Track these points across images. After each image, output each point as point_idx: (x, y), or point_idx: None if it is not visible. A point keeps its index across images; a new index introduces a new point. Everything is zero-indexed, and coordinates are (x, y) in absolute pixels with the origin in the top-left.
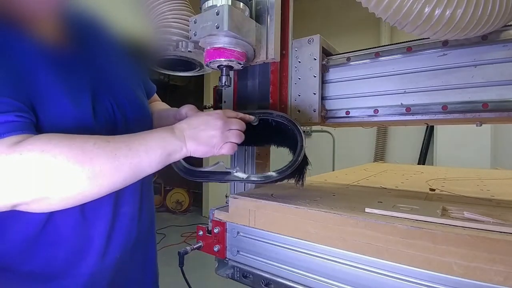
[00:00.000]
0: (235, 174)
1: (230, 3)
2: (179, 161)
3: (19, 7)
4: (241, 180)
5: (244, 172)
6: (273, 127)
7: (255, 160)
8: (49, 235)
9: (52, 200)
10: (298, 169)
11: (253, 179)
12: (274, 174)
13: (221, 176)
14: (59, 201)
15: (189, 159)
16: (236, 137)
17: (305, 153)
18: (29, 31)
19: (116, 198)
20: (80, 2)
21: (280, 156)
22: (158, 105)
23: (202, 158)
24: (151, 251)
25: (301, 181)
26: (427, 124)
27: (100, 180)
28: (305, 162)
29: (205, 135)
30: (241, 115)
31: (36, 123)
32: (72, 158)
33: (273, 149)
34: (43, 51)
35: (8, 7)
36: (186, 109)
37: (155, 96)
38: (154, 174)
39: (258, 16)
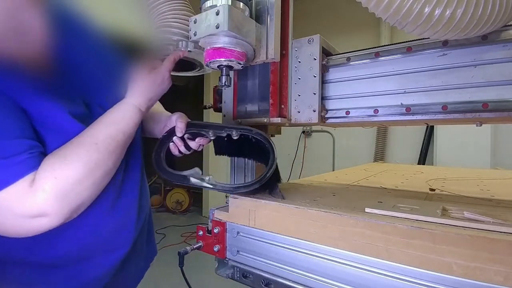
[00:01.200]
0: (207, 181)
1: (230, 3)
2: (161, 163)
3: (8, 52)
4: (210, 188)
5: (216, 181)
6: (253, 144)
7: (255, 163)
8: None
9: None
10: (268, 184)
11: (220, 188)
12: (241, 185)
13: (199, 182)
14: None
15: (172, 160)
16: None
17: (278, 171)
18: (17, 65)
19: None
20: (74, 9)
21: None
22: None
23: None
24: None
25: (275, 195)
26: (427, 124)
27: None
28: (276, 178)
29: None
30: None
31: (44, 145)
32: (78, 174)
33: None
34: (33, 78)
35: None
36: (177, 116)
37: None
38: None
39: (258, 16)
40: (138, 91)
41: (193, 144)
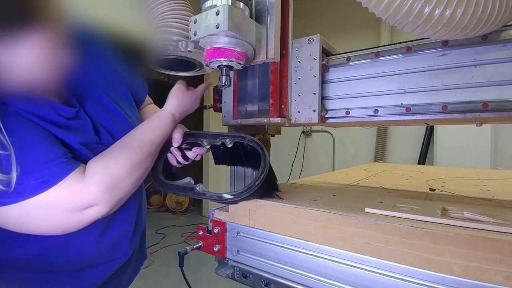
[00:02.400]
0: (197, 190)
1: (230, 3)
2: (157, 174)
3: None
4: (200, 196)
5: (205, 190)
6: (249, 151)
7: (254, 172)
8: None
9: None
10: (264, 192)
11: (208, 197)
12: (229, 196)
13: (186, 190)
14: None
15: (171, 171)
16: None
17: (275, 179)
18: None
19: None
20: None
21: (280, 156)
22: (150, 111)
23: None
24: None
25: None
26: (427, 124)
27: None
28: (272, 187)
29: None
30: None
31: None
32: (125, 171)
33: (274, 151)
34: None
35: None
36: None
37: (148, 99)
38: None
39: (258, 16)
40: (176, 103)
41: (190, 154)
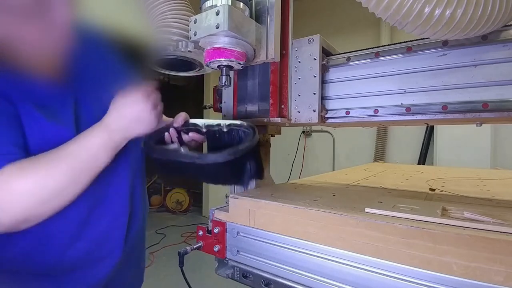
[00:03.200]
0: (181, 152)
1: (230, 3)
2: (149, 142)
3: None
4: (182, 158)
5: (188, 152)
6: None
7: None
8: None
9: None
10: (245, 171)
11: (189, 157)
12: (212, 156)
13: (169, 153)
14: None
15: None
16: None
17: (262, 167)
18: (16, 68)
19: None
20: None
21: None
22: None
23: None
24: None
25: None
26: (427, 124)
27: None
28: (255, 170)
29: (142, 125)
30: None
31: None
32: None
33: (274, 151)
34: (26, 81)
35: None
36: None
37: None
38: (149, 178)
39: (258, 16)
40: (115, 112)
41: (185, 137)
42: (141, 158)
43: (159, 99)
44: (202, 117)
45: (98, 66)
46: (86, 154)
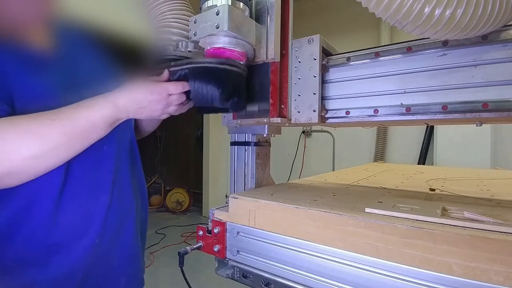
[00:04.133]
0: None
1: (230, 3)
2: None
3: (5, 17)
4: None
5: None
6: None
7: (255, 160)
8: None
9: None
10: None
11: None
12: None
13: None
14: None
15: None
16: (175, 110)
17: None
18: (11, 36)
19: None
20: (73, 6)
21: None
22: None
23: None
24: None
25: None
26: (427, 124)
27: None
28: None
29: (147, 112)
30: (181, 89)
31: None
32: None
33: (274, 151)
34: (22, 53)
35: None
36: None
37: None
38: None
39: (258, 16)
40: (125, 91)
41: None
42: (130, 141)
43: (178, 99)
44: (202, 119)
45: (83, 60)
46: (85, 122)
